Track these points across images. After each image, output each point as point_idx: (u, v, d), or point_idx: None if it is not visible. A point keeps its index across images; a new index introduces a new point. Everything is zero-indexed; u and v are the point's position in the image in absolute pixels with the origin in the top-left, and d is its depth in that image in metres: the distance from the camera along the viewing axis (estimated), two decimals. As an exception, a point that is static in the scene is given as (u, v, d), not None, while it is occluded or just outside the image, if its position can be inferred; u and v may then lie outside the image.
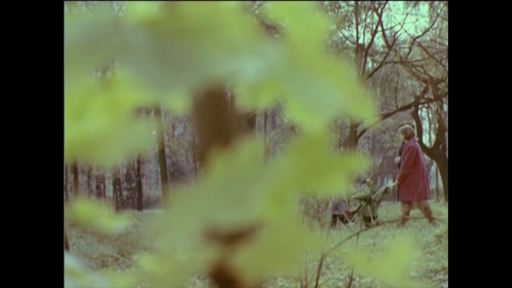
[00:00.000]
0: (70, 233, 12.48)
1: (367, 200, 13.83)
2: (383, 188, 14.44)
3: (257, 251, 0.53)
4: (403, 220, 11.96)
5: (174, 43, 0.44)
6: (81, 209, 0.64)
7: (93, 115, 0.56)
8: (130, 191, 36.14)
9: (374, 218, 13.59)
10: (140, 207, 31.18)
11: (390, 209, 19.11)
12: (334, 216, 14.32)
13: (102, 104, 0.55)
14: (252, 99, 0.59)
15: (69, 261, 0.71)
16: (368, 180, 14.72)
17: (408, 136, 12.63)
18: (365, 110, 0.54)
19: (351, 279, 3.96)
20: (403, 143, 12.71)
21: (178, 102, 0.55)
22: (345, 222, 14.03)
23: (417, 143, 12.61)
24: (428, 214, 11.98)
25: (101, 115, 0.56)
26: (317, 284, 4.24)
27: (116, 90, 0.55)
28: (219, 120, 0.55)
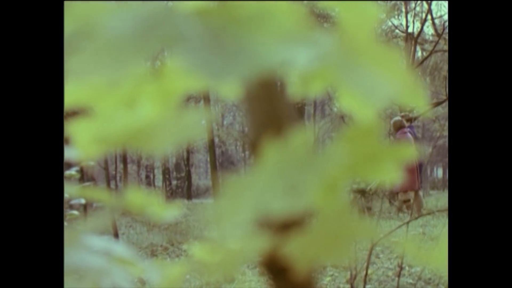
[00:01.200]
0: (120, 223, 12.60)
1: (362, 192, 13.76)
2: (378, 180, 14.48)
3: (308, 240, 0.53)
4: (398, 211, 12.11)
5: (226, 32, 0.44)
6: (133, 198, 0.64)
7: (144, 104, 0.56)
8: (179, 181, 36.29)
9: (369, 210, 13.64)
10: (189, 196, 31.30)
11: (440, 198, 18.95)
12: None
13: (153, 93, 0.56)
14: (303, 88, 0.58)
15: (120, 249, 0.71)
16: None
17: (397, 128, 12.72)
18: (417, 99, 0.53)
19: (401, 268, 3.94)
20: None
21: (230, 91, 0.55)
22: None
23: (406, 134, 12.66)
24: (407, 206, 12.32)
25: (152, 104, 0.56)
26: (366, 273, 4.23)
27: (167, 79, 0.56)
28: (271, 109, 0.55)
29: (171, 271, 0.68)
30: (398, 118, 13.13)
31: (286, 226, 0.53)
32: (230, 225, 0.51)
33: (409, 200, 12.29)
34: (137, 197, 0.64)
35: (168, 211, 0.65)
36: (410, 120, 13.23)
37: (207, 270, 0.57)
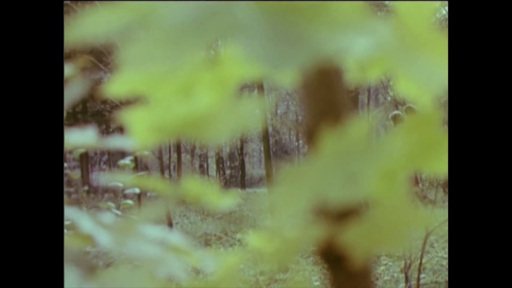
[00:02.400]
0: (173, 212, 12.68)
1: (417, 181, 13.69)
2: None
3: (365, 229, 0.53)
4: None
5: (284, 20, 0.44)
6: (189, 187, 0.64)
7: (201, 93, 0.56)
8: (233, 170, 36.35)
9: (424, 198, 13.64)
10: (243, 186, 31.35)
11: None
12: None
13: (209, 81, 0.56)
14: (360, 76, 0.58)
15: (175, 239, 0.72)
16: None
17: (397, 122, 12.81)
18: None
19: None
20: None
21: (287, 80, 0.54)
22: None
23: None
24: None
25: (209, 93, 0.56)
26: (420, 262, 4.20)
27: (224, 68, 0.56)
28: (328, 98, 0.54)
29: (226, 260, 0.68)
30: (398, 111, 13.15)
31: (343, 215, 0.53)
32: (286, 214, 0.51)
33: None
34: (194, 186, 0.64)
35: (224, 200, 0.65)
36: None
37: (262, 259, 0.57)
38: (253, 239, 0.60)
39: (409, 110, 13.08)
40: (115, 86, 0.55)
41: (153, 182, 0.69)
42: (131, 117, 0.57)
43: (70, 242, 0.68)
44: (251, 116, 0.56)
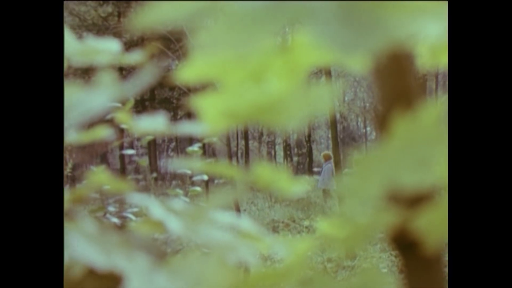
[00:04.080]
0: (241, 199, 12.72)
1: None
2: None
3: (438, 215, 0.52)
4: None
5: (357, 4, 0.43)
6: (260, 173, 0.64)
7: (272, 78, 0.56)
8: (300, 157, 36.31)
9: None
10: (310, 172, 31.30)
11: None
12: (324, 190, 14.70)
13: (280, 67, 0.55)
14: (432, 61, 0.57)
15: (246, 224, 0.72)
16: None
17: (326, 159, 14.18)
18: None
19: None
20: None
21: (358, 65, 0.54)
22: None
23: (329, 165, 13.70)
24: None
25: (280, 79, 0.56)
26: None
27: (295, 54, 0.55)
28: (400, 83, 0.54)
29: (295, 247, 0.68)
30: (327, 151, 14.61)
31: (416, 201, 0.52)
32: (358, 200, 0.51)
33: None
34: (264, 172, 0.64)
35: (295, 187, 0.65)
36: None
37: (331, 246, 0.57)
38: (324, 226, 0.60)
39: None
40: (186, 72, 0.55)
41: (223, 168, 0.69)
42: (202, 103, 0.57)
43: (139, 229, 0.69)
44: (320, 102, 0.56)
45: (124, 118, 0.77)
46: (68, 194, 0.69)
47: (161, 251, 0.63)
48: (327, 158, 15.13)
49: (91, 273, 0.59)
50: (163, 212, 0.67)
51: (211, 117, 0.58)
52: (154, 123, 0.72)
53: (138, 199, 0.70)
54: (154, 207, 0.68)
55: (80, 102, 0.62)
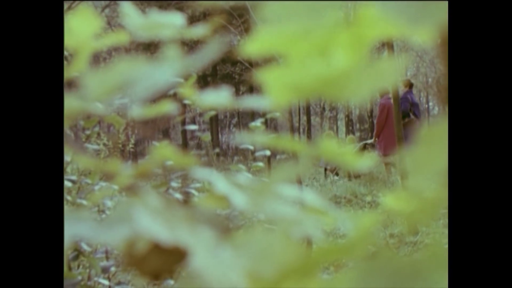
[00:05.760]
0: (303, 175, 12.73)
1: None
2: (362, 144, 14.78)
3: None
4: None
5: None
6: (326, 147, 0.64)
7: (337, 52, 0.55)
8: (362, 132, 36.17)
9: (337, 174, 13.86)
10: (372, 148, 31.16)
11: None
12: (325, 170, 14.98)
13: (346, 41, 0.55)
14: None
15: (311, 198, 0.71)
16: (351, 136, 15.15)
17: (382, 94, 12.77)
18: None
19: None
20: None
21: (423, 38, 0.53)
22: (337, 175, 14.32)
23: (390, 100, 12.72)
24: (388, 170, 12.47)
25: (345, 52, 0.55)
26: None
27: (360, 27, 0.55)
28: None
29: (360, 221, 0.67)
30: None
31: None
32: (422, 175, 0.50)
33: (389, 163, 12.48)
34: (330, 146, 0.64)
35: (361, 162, 0.65)
36: (408, 85, 13.15)
37: (395, 221, 0.56)
38: (388, 200, 0.60)
39: (403, 82, 13.31)
40: (251, 47, 0.54)
41: (287, 143, 0.69)
42: (267, 76, 0.57)
43: (203, 204, 0.69)
44: (383, 77, 0.55)
45: (188, 93, 0.77)
46: (131, 169, 0.69)
47: (225, 226, 0.63)
48: (406, 85, 13.59)
49: (156, 248, 0.59)
50: (228, 186, 0.67)
51: (275, 91, 0.57)
52: (218, 98, 0.72)
53: (202, 173, 0.70)
54: (218, 181, 0.68)
55: (144, 77, 0.63)
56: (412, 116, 13.07)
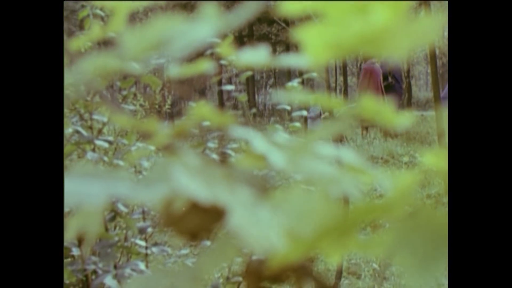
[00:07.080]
0: (342, 134, 12.76)
1: None
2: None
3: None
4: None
5: None
6: (366, 106, 0.63)
7: (376, 9, 0.55)
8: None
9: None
10: (409, 108, 31.03)
11: None
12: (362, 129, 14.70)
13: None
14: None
15: (349, 157, 0.71)
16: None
17: (365, 59, 12.77)
18: None
19: None
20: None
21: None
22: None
23: (374, 65, 12.56)
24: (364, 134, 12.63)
25: (384, 9, 0.55)
26: None
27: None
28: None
29: (398, 181, 0.67)
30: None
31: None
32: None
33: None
34: (371, 105, 0.63)
35: (400, 121, 0.64)
36: None
37: (436, 181, 0.56)
38: (427, 160, 0.59)
39: None
40: (289, 5, 0.54)
41: (325, 101, 0.69)
42: (305, 34, 0.57)
43: (241, 163, 0.69)
44: (421, 36, 0.55)
45: (225, 53, 0.76)
46: (168, 130, 0.69)
47: (263, 185, 0.63)
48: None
49: (194, 208, 0.60)
50: (266, 145, 0.67)
51: (313, 49, 0.57)
52: (256, 56, 0.71)
53: (240, 132, 0.70)
54: (256, 140, 0.68)
55: (181, 35, 0.62)
56: (390, 80, 13.10)
